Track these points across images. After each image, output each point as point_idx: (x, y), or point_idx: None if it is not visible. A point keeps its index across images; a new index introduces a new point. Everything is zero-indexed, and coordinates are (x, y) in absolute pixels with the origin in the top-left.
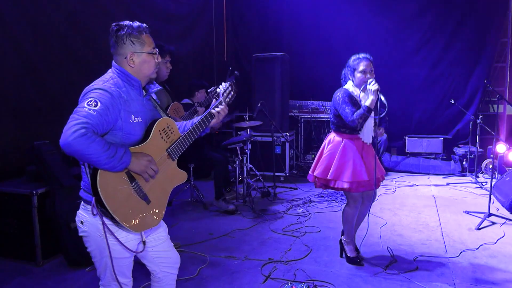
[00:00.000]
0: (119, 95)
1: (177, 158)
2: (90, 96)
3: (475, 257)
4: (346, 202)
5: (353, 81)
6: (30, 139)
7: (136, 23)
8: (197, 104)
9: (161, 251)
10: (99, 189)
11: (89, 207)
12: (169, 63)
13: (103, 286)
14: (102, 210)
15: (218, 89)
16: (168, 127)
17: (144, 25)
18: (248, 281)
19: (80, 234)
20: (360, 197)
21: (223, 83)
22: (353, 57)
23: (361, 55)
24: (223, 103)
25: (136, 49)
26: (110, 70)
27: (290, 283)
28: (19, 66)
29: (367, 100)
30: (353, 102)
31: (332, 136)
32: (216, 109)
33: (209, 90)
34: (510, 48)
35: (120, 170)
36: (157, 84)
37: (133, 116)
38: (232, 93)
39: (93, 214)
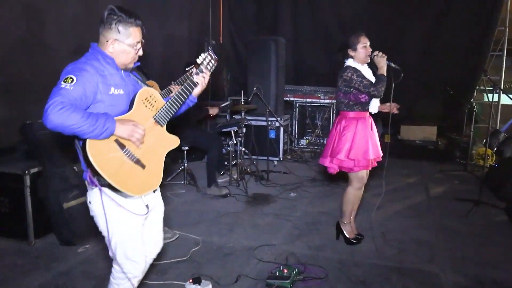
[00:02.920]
0: (95, 70)
1: (165, 124)
2: (66, 75)
3: (465, 244)
4: (349, 183)
5: (353, 58)
6: (22, 117)
7: (131, 14)
8: (173, 83)
9: (151, 234)
10: (91, 159)
11: (92, 187)
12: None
13: (117, 265)
14: (98, 178)
15: (197, 60)
16: (150, 96)
17: (138, 18)
18: (240, 264)
19: (91, 214)
20: (364, 177)
21: (202, 54)
22: (350, 36)
23: (357, 32)
24: (203, 70)
25: (120, 37)
26: (88, 52)
27: (281, 266)
28: (12, 43)
29: (379, 70)
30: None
31: (344, 118)
32: (198, 76)
33: (186, 69)
34: (507, 37)
35: (106, 137)
36: (136, 73)
37: (112, 88)
38: (212, 61)
39: (92, 187)
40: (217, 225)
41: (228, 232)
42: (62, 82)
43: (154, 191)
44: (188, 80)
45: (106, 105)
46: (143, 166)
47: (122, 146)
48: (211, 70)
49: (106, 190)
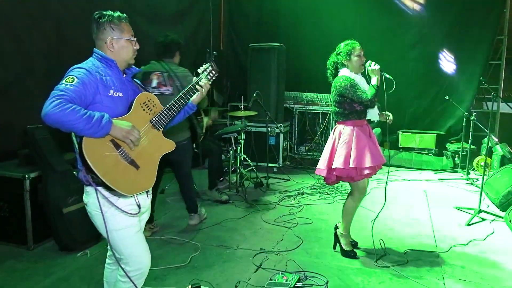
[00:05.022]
0: (96, 71)
1: (162, 128)
2: (68, 74)
3: (465, 252)
4: (350, 193)
5: (348, 67)
6: (23, 122)
7: (117, 13)
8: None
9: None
10: (85, 156)
11: (88, 188)
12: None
13: (124, 264)
14: (92, 176)
15: (199, 70)
16: (149, 101)
17: (124, 15)
18: (239, 270)
19: (89, 216)
20: (365, 188)
21: (203, 64)
22: (343, 44)
23: (351, 40)
24: (203, 79)
25: (115, 35)
26: (91, 57)
27: (281, 273)
28: (10, 49)
29: (372, 80)
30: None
31: (341, 127)
32: (199, 83)
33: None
34: (506, 46)
35: (101, 136)
36: (136, 68)
37: (111, 90)
38: (213, 72)
39: (86, 184)
40: (216, 232)
41: (227, 239)
42: (64, 82)
43: (147, 195)
44: (187, 88)
45: (104, 106)
46: (137, 167)
47: (117, 146)
48: (212, 80)
49: (100, 189)
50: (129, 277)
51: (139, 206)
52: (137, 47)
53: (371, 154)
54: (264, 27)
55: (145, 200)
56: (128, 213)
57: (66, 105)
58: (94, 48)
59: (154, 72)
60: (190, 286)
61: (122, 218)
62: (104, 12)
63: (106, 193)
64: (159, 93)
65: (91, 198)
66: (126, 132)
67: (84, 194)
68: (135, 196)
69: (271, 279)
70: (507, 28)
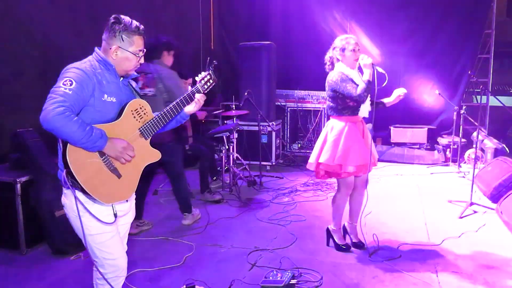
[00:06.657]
0: (93, 74)
1: (150, 137)
2: (65, 76)
3: (457, 245)
4: (337, 189)
5: (343, 61)
6: (12, 126)
7: (134, 23)
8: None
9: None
10: (68, 161)
11: (65, 189)
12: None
13: (100, 267)
14: (72, 181)
15: (196, 78)
16: (140, 108)
17: (141, 27)
18: (234, 269)
19: (67, 217)
20: (353, 183)
21: (202, 72)
22: (339, 38)
23: (347, 35)
24: (200, 90)
25: (123, 45)
26: (91, 55)
27: (275, 270)
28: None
29: (364, 75)
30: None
31: (334, 122)
32: (196, 94)
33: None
34: (493, 40)
35: (93, 151)
36: (134, 73)
37: (105, 95)
38: (210, 81)
39: (64, 186)
40: (210, 231)
41: (221, 238)
42: (62, 84)
43: (126, 200)
44: (182, 97)
45: (96, 110)
46: (119, 176)
47: (102, 153)
48: (207, 91)
49: (78, 193)
50: (105, 279)
51: (115, 215)
52: (142, 61)
53: (358, 153)
54: (254, 26)
55: (124, 205)
56: (103, 221)
57: (70, 115)
58: (97, 48)
59: (141, 73)
60: (185, 286)
61: (97, 223)
62: (121, 19)
63: (83, 198)
64: (143, 93)
65: (69, 201)
66: (120, 153)
67: (62, 195)
68: (112, 205)
69: (265, 277)
70: (494, 22)
